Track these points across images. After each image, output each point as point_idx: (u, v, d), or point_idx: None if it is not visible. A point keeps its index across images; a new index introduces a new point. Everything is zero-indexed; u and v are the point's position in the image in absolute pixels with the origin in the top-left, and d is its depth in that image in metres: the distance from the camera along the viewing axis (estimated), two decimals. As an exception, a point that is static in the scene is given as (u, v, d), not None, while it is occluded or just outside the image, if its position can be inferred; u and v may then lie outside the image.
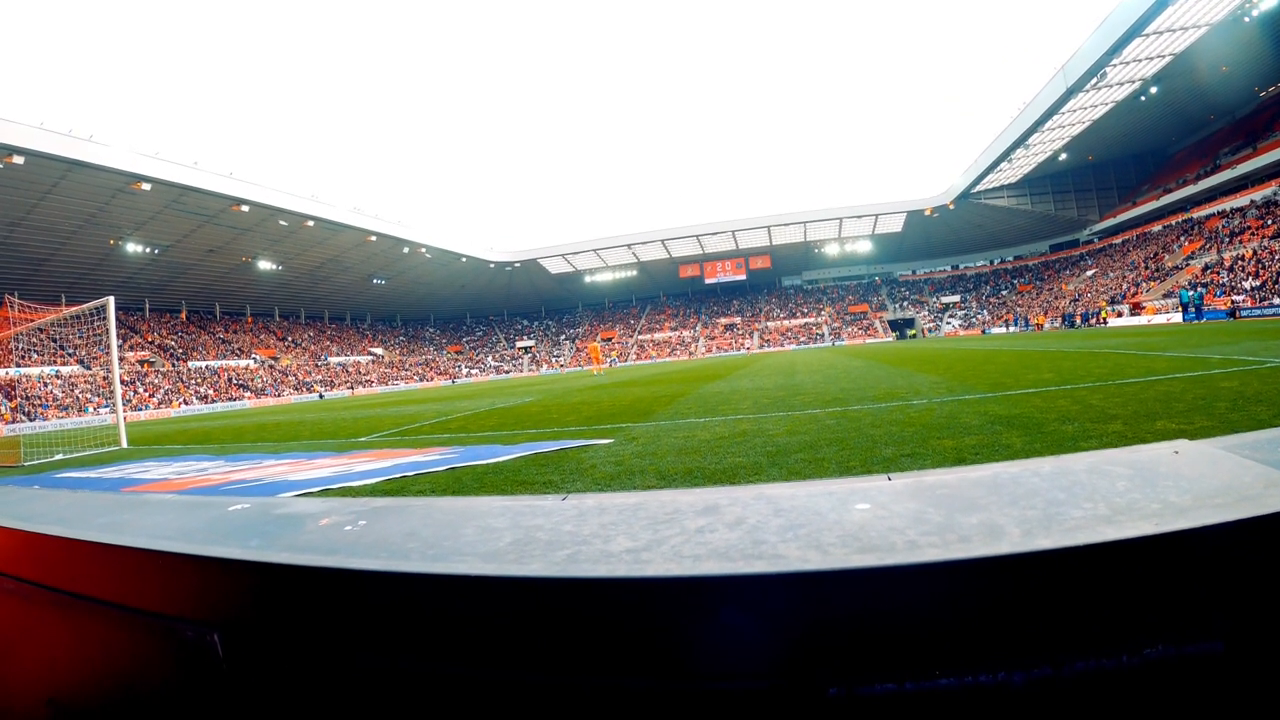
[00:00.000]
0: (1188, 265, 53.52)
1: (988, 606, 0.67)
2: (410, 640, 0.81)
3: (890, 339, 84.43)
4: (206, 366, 68.34)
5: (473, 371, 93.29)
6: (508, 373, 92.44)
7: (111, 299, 16.17)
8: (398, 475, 6.38)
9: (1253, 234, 49.23)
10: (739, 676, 0.70)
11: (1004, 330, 70.67)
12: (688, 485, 4.81)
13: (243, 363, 72.55)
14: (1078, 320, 58.73)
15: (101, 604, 1.06)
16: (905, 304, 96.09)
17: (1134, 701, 0.65)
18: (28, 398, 49.19)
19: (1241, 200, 55.62)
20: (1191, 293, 44.56)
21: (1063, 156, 73.57)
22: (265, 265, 73.36)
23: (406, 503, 1.20)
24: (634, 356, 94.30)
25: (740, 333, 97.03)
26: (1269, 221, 48.76)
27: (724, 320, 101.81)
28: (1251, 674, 0.65)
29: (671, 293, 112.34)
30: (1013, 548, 0.68)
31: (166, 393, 58.88)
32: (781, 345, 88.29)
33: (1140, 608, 0.65)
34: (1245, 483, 0.83)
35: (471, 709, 0.78)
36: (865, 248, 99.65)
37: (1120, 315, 51.65)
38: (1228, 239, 52.08)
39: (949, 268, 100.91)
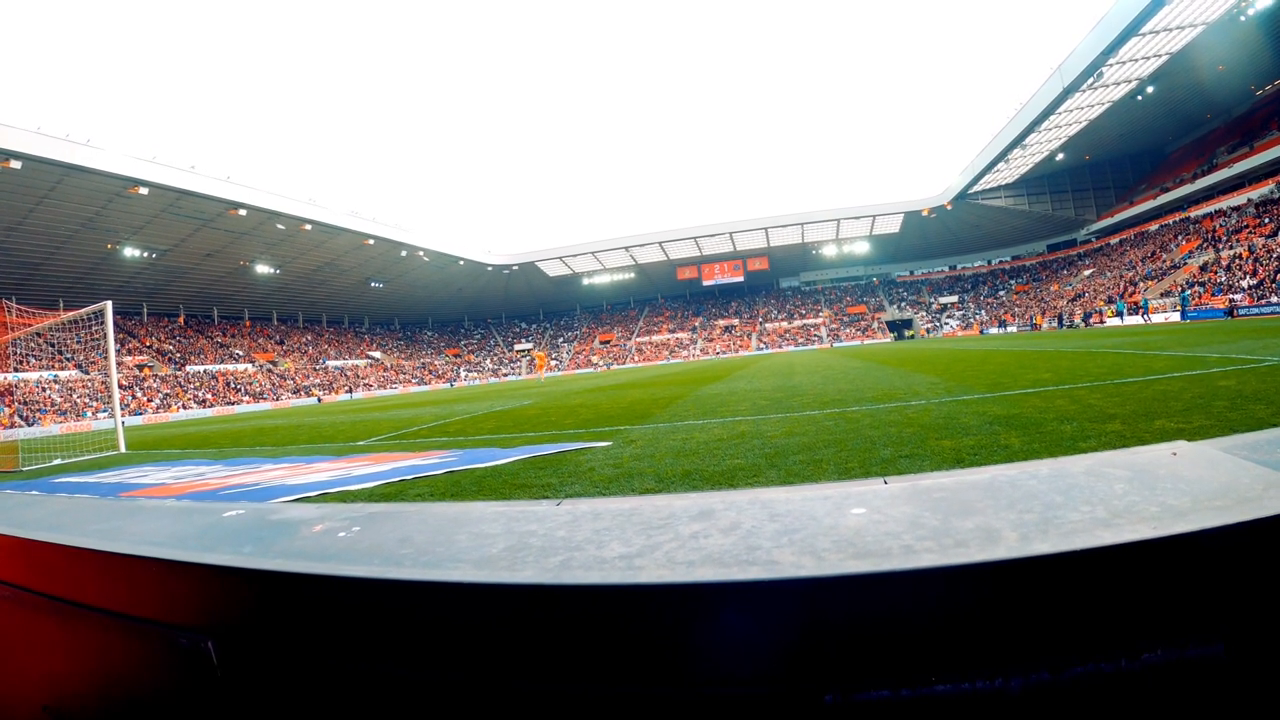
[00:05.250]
0: (1185, 264, 53.57)
1: (985, 612, 0.66)
2: (404, 648, 0.80)
3: (888, 340, 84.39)
4: (205, 371, 68.27)
5: (471, 374, 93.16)
6: (506, 375, 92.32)
7: (109, 303, 16.15)
8: (396, 479, 6.37)
9: (1250, 233, 49.30)
10: (734, 683, 0.70)
11: (1000, 330, 70.63)
12: (686, 487, 4.81)
13: (241, 367, 72.49)
14: (1076, 319, 58.83)
15: (97, 611, 1.06)
16: (903, 305, 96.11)
17: (1134, 706, 0.64)
18: (26, 402, 49.12)
19: (1239, 199, 55.65)
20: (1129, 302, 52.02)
21: (1060, 156, 73.65)
22: (263, 269, 73.31)
23: (400, 508, 1.20)
24: (632, 359, 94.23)
25: (738, 334, 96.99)
26: (1266, 220, 48.85)
27: (722, 322, 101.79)
28: (1252, 678, 0.65)
29: (669, 295, 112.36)
30: (1010, 552, 0.68)
31: (165, 397, 58.80)
32: (780, 347, 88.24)
33: (1139, 611, 0.65)
34: (1244, 484, 0.82)
35: (466, 717, 0.78)
36: (863, 249, 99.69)
37: (1118, 315, 51.82)
38: (1225, 238, 52.13)
39: (947, 268, 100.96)
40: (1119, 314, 51.77)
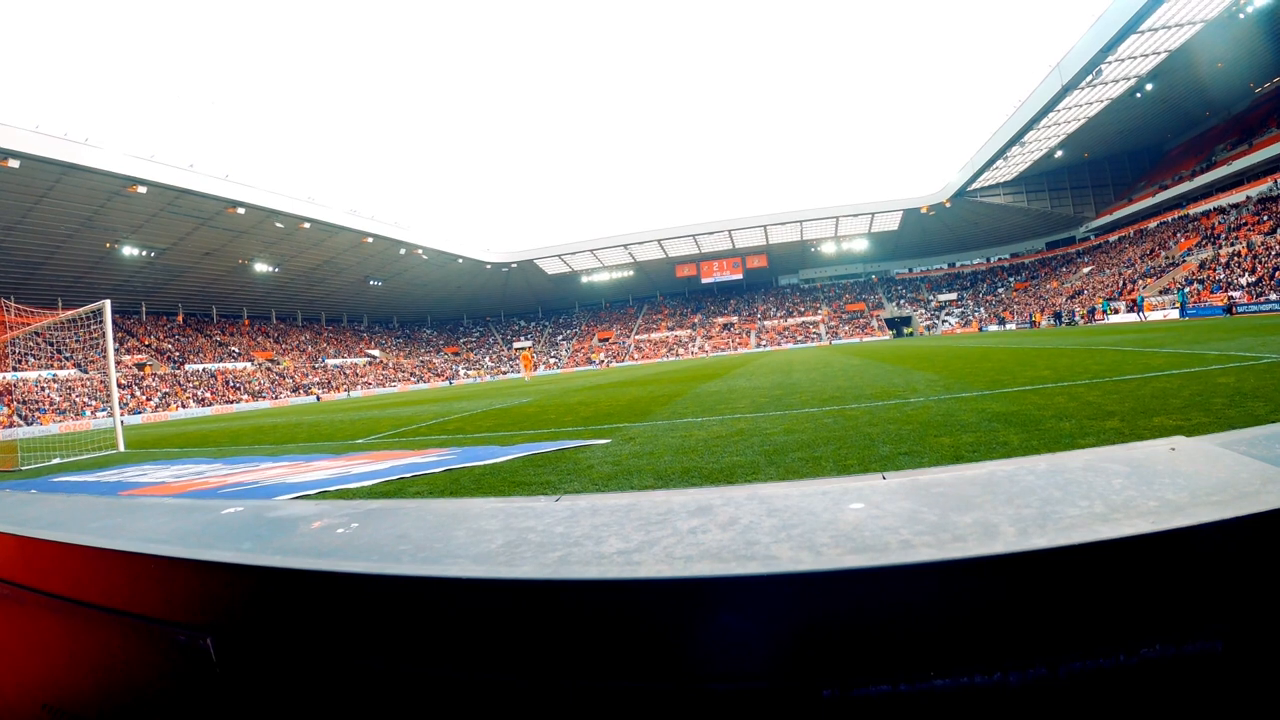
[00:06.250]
0: (1184, 261, 53.59)
1: (983, 606, 0.67)
2: (402, 643, 0.80)
3: (887, 337, 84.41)
4: (204, 369, 68.25)
5: (470, 373, 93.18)
6: (506, 373, 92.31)
7: (108, 302, 16.14)
8: (395, 477, 6.37)
9: (1249, 230, 49.32)
10: (732, 678, 0.70)
11: (1000, 328, 70.66)
12: (684, 485, 4.80)
13: (240, 365, 72.47)
14: (1078, 319, 58.81)
15: (96, 608, 1.06)
16: (902, 302, 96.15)
17: (1132, 701, 0.64)
18: (24, 402, 49.10)
19: (1237, 196, 55.69)
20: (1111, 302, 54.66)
21: (1059, 154, 73.65)
22: (262, 267, 73.29)
23: (398, 505, 1.20)
24: (631, 356, 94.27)
25: (737, 332, 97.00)
26: (1265, 217, 48.86)
27: (721, 320, 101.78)
28: (1251, 673, 0.65)
29: (668, 293, 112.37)
30: (1008, 547, 0.68)
31: (164, 396, 58.77)
32: (779, 344, 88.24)
33: (1137, 606, 0.65)
34: (1242, 479, 0.82)
35: (463, 712, 0.78)
36: (862, 246, 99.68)
37: (1118, 312, 51.84)
38: (1224, 235, 52.15)
39: (945, 266, 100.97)
40: (1104, 311, 52.26)
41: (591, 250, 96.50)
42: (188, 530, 1.21)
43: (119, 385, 53.81)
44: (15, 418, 46.02)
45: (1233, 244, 49.55)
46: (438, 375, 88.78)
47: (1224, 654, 0.64)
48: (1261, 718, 0.65)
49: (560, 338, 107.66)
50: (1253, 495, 0.75)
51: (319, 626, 0.85)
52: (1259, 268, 42.46)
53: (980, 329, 75.88)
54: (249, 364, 73.76)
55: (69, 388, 54.14)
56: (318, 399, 64.74)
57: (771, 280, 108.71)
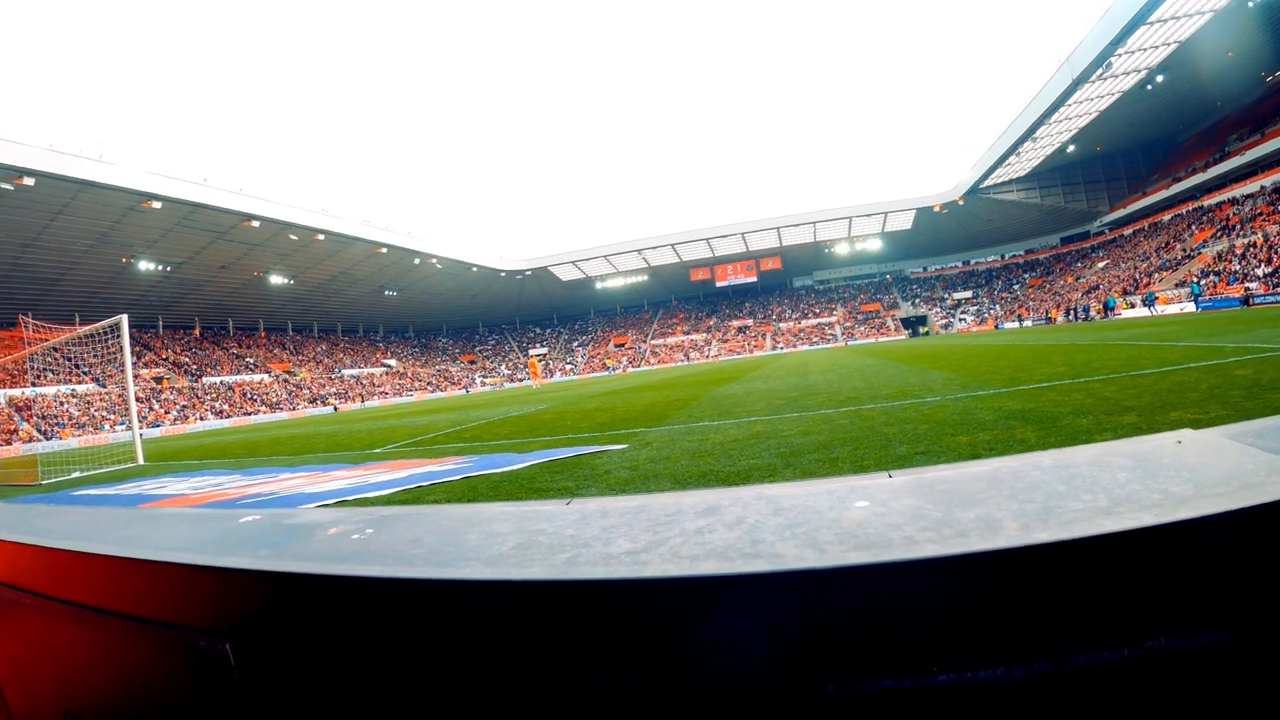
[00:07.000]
0: (1199, 253, 53.13)
1: (987, 601, 0.66)
2: (417, 645, 0.82)
3: (903, 337, 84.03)
4: (221, 382, 68.72)
5: (487, 381, 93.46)
6: (522, 381, 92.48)
7: (125, 317, 16.30)
8: (413, 485, 6.39)
9: (1264, 220, 48.84)
10: (738, 675, 0.70)
11: (1016, 325, 70.23)
12: (698, 488, 4.80)
13: (257, 377, 72.93)
14: (1092, 314, 58.35)
15: (116, 616, 1.08)
16: (917, 301, 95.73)
17: (1137, 694, 0.64)
18: (44, 416, 49.58)
19: (1251, 186, 55.16)
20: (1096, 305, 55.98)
21: (1071, 148, 73.18)
22: (277, 280, 73.83)
23: (412, 511, 1.22)
24: (647, 361, 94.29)
25: (753, 335, 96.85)
26: (1279, 207, 48.44)
27: (736, 323, 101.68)
28: (1256, 665, 0.64)
29: (683, 296, 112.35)
30: (1010, 542, 0.67)
31: (182, 409, 59.23)
32: (794, 346, 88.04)
33: (1142, 599, 0.65)
34: (1248, 471, 0.82)
35: (476, 713, 0.79)
36: (875, 246, 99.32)
37: (1133, 306, 51.47)
38: (1239, 226, 51.69)
39: (960, 264, 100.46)
40: (1110, 308, 51.97)
41: (605, 256, 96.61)
42: (206, 538, 1.23)
43: (137, 399, 54.26)
44: (35, 433, 46.47)
45: (1248, 235, 49.09)
46: (454, 384, 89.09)
47: (1229, 646, 0.64)
48: (1267, 709, 0.64)
49: (576, 344, 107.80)
50: (1258, 486, 0.74)
51: (334, 630, 0.87)
52: (1275, 258, 42.03)
53: (996, 326, 75.46)
54: (266, 376, 74.23)
55: (87, 402, 54.68)
56: (335, 409, 65.05)
57: (786, 282, 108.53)
